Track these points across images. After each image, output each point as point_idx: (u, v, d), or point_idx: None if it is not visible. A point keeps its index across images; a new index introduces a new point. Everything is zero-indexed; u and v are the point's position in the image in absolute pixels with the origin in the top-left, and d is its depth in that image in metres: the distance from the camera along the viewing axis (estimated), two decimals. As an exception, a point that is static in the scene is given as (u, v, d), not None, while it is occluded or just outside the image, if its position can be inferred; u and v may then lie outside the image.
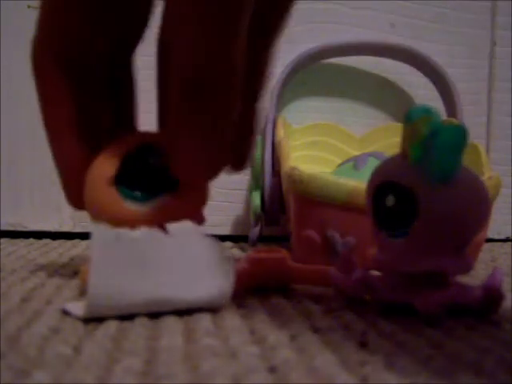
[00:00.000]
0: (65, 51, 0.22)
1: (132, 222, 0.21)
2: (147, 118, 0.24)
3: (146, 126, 0.24)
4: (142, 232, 0.20)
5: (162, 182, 0.22)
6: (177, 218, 0.21)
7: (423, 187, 0.19)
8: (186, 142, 0.21)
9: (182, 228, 0.21)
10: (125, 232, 0.19)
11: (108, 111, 0.24)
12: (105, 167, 0.22)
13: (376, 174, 0.21)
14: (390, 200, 0.20)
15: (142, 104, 0.26)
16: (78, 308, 0.20)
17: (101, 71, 0.23)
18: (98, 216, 0.22)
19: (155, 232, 0.20)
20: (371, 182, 0.21)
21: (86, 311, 0.19)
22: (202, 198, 0.23)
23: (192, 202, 0.23)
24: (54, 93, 0.23)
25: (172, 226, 0.20)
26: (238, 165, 0.25)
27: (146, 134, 0.23)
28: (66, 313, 0.20)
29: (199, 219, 0.23)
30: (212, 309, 0.20)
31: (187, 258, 0.20)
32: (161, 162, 0.22)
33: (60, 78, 0.22)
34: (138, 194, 0.22)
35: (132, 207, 0.22)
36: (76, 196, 0.23)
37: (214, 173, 0.22)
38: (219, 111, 0.20)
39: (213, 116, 0.20)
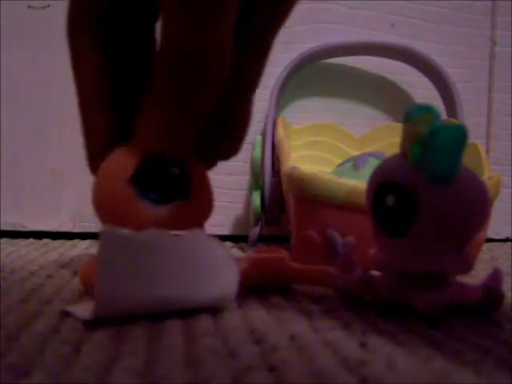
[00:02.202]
0: (97, 14, 0.22)
1: (143, 223, 0.21)
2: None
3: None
4: (150, 233, 0.20)
5: (176, 190, 0.23)
6: (185, 224, 0.21)
7: (423, 187, 0.19)
8: (152, 112, 0.21)
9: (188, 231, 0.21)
10: (133, 233, 0.19)
11: (134, 83, 0.24)
12: (124, 164, 0.22)
13: (376, 173, 0.21)
14: (390, 200, 0.20)
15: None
16: (81, 310, 0.19)
17: (130, 41, 0.23)
18: (107, 213, 0.22)
19: (162, 233, 0.20)
20: (371, 181, 0.21)
21: (94, 312, 0.18)
22: (208, 208, 0.24)
23: (199, 211, 0.23)
24: (84, 56, 0.23)
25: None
26: (228, 152, 0.25)
27: None
28: (66, 313, 0.20)
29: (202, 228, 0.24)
30: (212, 309, 0.20)
31: (194, 259, 0.20)
32: (180, 172, 0.22)
33: (91, 42, 0.22)
34: (154, 196, 0.22)
35: (145, 208, 0.22)
36: (96, 162, 0.23)
37: (177, 149, 0.22)
38: (195, 93, 0.21)
39: (187, 96, 0.21)
